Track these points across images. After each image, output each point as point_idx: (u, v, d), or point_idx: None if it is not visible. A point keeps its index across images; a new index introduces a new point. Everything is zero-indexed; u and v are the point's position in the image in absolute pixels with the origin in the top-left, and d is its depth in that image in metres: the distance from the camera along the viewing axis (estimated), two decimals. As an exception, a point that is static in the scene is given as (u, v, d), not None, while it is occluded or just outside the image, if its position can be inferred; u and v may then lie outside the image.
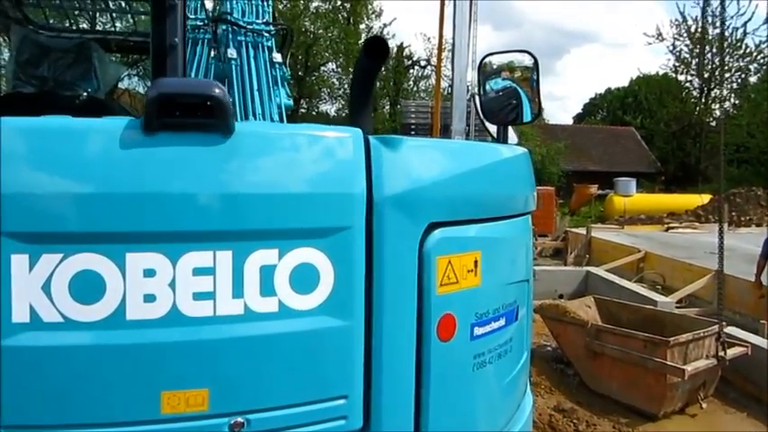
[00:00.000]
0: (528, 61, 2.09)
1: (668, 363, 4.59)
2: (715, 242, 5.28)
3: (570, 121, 45.57)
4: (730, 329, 5.43)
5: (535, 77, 2.09)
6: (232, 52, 4.03)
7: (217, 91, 1.08)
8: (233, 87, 4.29)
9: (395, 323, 1.22)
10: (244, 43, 4.12)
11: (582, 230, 14.06)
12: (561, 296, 8.68)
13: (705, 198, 20.76)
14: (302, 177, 1.15)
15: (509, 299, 1.51)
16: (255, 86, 4.13)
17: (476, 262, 1.36)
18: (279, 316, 1.11)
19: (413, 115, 18.22)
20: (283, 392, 1.13)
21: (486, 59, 2.16)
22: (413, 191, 1.24)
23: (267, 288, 1.09)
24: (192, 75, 3.81)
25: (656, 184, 30.89)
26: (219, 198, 1.08)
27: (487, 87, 2.10)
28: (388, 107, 32.53)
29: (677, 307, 7.29)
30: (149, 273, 1.03)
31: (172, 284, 1.04)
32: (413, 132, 16.16)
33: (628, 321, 5.67)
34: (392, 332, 1.22)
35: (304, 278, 1.12)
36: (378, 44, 1.59)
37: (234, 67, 4.15)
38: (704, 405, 4.93)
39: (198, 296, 1.05)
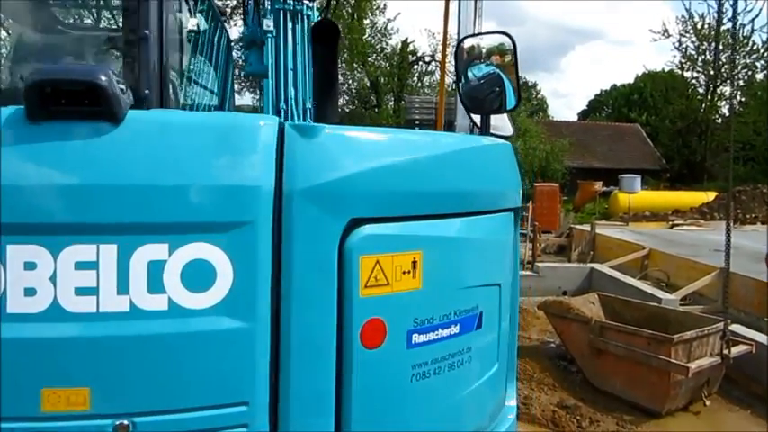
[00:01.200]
0: (507, 44, 1.98)
1: (672, 360, 4.58)
2: (720, 240, 5.26)
3: (575, 118, 45.44)
4: (735, 327, 5.41)
5: (514, 62, 1.98)
6: (269, 24, 3.80)
7: (102, 78, 1.02)
8: (268, 64, 4.04)
9: (308, 327, 1.13)
10: (282, 12, 3.87)
11: (586, 227, 14.02)
12: (565, 293, 8.67)
13: (710, 195, 20.66)
14: (198, 168, 1.07)
15: (466, 304, 1.38)
16: (290, 65, 3.88)
17: (414, 263, 1.24)
18: (169, 314, 1.04)
19: (417, 111, 18.20)
20: (174, 396, 1.06)
21: (465, 44, 2.06)
22: (331, 183, 1.14)
23: (156, 285, 1.03)
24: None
25: (661, 181, 30.76)
26: (103, 189, 1.02)
27: (469, 75, 2.00)
28: (392, 103, 32.46)
29: (681, 304, 7.27)
30: (30, 266, 0.99)
31: (53, 278, 1.00)
32: (416, 128, 16.13)
33: (632, 318, 5.66)
34: (305, 336, 1.13)
35: (198, 276, 1.05)
36: (326, 28, 1.48)
37: (270, 40, 3.89)
38: (708, 403, 4.93)
39: (80, 291, 1.01)
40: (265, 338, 1.10)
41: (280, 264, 1.11)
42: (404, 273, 1.22)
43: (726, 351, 4.82)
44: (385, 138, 1.34)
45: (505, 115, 2.04)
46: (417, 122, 17.30)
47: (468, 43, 2.08)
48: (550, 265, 10.04)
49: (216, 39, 2.84)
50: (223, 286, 1.07)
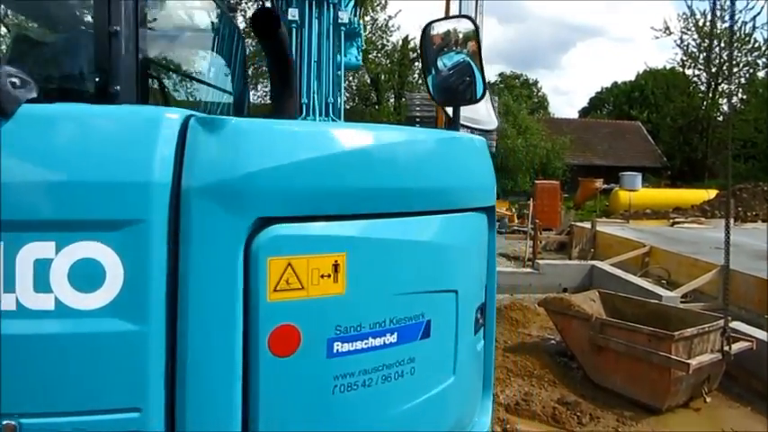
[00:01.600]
0: (468, 29, 1.89)
1: (673, 357, 4.59)
2: (720, 237, 5.26)
3: (576, 116, 45.42)
4: (735, 324, 5.41)
5: (477, 48, 1.89)
6: (293, 13, 3.72)
7: None
8: (292, 55, 3.99)
9: (208, 332, 1.07)
10: (307, 1, 3.77)
11: (587, 224, 14.03)
12: (565, 290, 8.67)
13: (711, 193, 20.67)
14: (87, 163, 1.03)
15: (406, 311, 1.28)
16: (315, 57, 3.79)
17: (336, 266, 1.15)
18: (55, 315, 1.01)
19: (417, 108, 18.15)
20: (62, 398, 1.02)
21: (433, 30, 1.93)
22: (235, 180, 1.07)
23: (42, 284, 1.00)
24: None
25: (662, 178, 30.78)
26: None
27: (440, 64, 1.91)
28: (392, 100, 32.46)
29: (682, 302, 7.28)
30: None
31: None
32: (417, 125, 16.12)
33: (632, 316, 5.66)
34: (205, 342, 1.07)
35: (86, 275, 1.01)
36: (264, 17, 1.39)
37: (294, 30, 3.81)
38: (708, 399, 4.93)
39: None
40: (160, 342, 1.05)
41: (176, 264, 1.05)
42: (322, 276, 1.14)
43: (726, 348, 4.83)
44: (303, 130, 1.23)
45: (490, 107, 1.98)
46: (418, 120, 17.28)
47: (440, 29, 1.95)
48: (551, 263, 10.04)
49: (228, 35, 2.81)
50: (113, 287, 1.02)
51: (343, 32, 3.93)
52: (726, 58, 30.19)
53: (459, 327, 1.44)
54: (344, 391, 1.18)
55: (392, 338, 1.25)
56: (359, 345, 1.19)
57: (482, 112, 1.91)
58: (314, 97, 3.78)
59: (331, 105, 3.84)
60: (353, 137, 1.25)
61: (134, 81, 1.53)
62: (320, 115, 3.81)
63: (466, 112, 1.82)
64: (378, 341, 1.23)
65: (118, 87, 1.47)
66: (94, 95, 1.50)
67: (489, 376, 1.76)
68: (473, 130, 1.83)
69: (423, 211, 1.34)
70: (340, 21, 3.82)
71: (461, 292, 1.44)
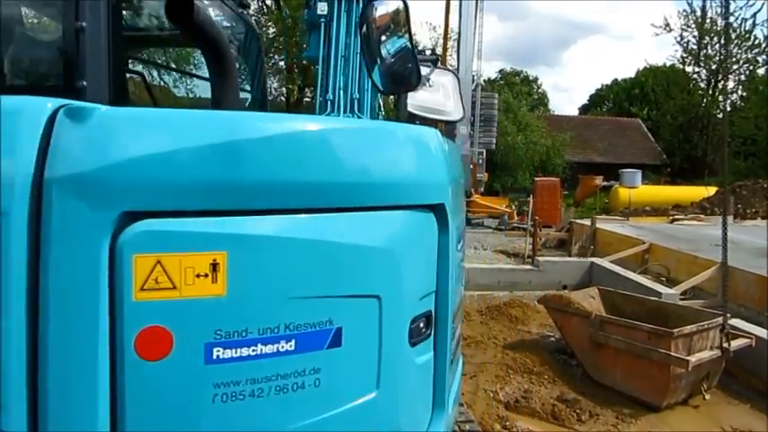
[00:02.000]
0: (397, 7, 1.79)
1: (672, 354, 4.59)
2: (720, 234, 5.26)
3: (576, 113, 45.39)
4: (735, 322, 5.41)
5: (407, 29, 1.80)
6: (323, 7, 3.66)
7: None
8: (320, 51, 3.85)
9: (71, 330, 1.01)
10: None
11: (587, 222, 14.02)
12: (565, 287, 8.68)
13: (711, 190, 20.65)
14: None
15: (309, 317, 1.19)
16: (342, 51, 3.70)
17: (215, 265, 1.07)
18: None
19: (418, 105, 18.11)
20: None
21: (376, 12, 1.80)
22: (98, 171, 1.02)
23: None
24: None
25: (662, 176, 30.77)
26: None
27: (383, 52, 1.81)
28: (393, 96, 32.41)
29: (682, 299, 7.28)
30: None
31: None
32: (417, 122, 16.08)
33: (632, 313, 5.67)
34: (67, 341, 1.02)
35: None
36: (177, 3, 1.31)
37: (322, 24, 3.74)
38: (707, 397, 4.93)
39: None
40: (20, 340, 1.01)
41: (38, 259, 1.01)
42: (198, 276, 1.06)
43: (725, 344, 4.83)
44: (182, 118, 1.13)
45: (457, 96, 1.82)
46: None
47: (387, 9, 1.82)
48: (551, 260, 10.04)
49: (244, 35, 2.77)
50: None
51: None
52: (724, 54, 30.18)
53: (385, 337, 1.33)
54: (227, 400, 1.10)
55: (288, 346, 1.16)
56: (245, 351, 1.11)
57: (447, 102, 1.79)
58: (339, 93, 3.69)
59: (356, 102, 3.75)
60: (246, 125, 1.17)
61: (104, 77, 1.50)
62: (344, 112, 3.73)
63: (428, 102, 1.75)
64: (269, 348, 1.13)
65: (84, 83, 1.45)
66: (62, 91, 1.48)
67: (441, 391, 1.59)
68: (437, 122, 1.76)
69: (331, 207, 1.24)
70: None
71: (386, 298, 1.32)
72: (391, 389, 1.36)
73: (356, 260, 1.28)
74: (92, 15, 1.42)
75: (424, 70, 1.72)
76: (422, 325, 1.46)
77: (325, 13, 3.69)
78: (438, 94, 1.77)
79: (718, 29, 30.40)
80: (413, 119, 1.81)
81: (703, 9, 30.52)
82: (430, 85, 1.76)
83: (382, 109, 3.99)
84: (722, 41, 30.01)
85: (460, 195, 1.96)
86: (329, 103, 3.76)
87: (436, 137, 1.55)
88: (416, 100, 1.73)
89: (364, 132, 1.38)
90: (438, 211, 1.50)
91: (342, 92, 3.66)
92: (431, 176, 1.50)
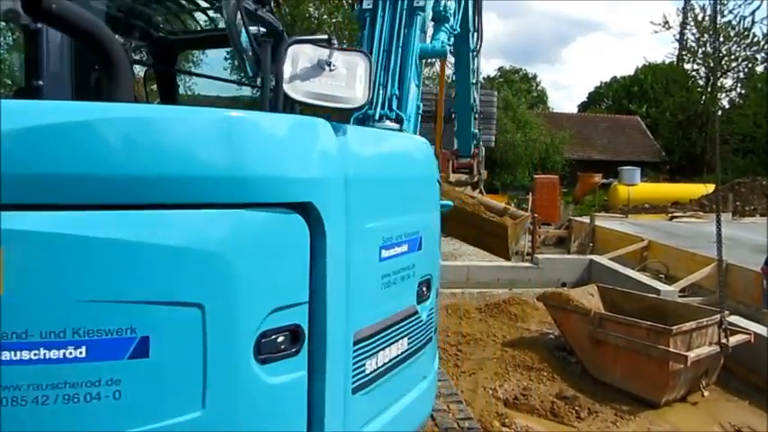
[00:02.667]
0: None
1: (671, 349, 4.60)
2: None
3: (575, 110, 45.33)
4: (734, 318, 5.43)
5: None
6: (368, 2, 3.64)
7: None
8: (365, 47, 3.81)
9: None
10: None
11: (586, 219, 14.03)
12: (564, 284, 8.69)
13: (710, 188, 20.62)
14: None
15: (104, 323, 1.09)
16: (385, 46, 3.66)
17: None
18: None
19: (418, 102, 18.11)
20: None
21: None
22: None
23: None
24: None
25: (661, 173, 30.75)
26: None
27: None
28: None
29: (680, 296, 7.29)
30: None
31: None
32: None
33: (631, 310, 5.68)
34: None
35: None
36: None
37: (368, 20, 3.71)
38: (706, 393, 4.94)
39: None
40: None
41: None
42: None
43: (724, 340, 4.84)
44: None
45: (361, 80, 1.66)
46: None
47: None
48: (550, 257, 10.06)
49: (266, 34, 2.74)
50: None
51: (420, 18, 3.74)
52: (722, 52, 30.17)
53: (212, 351, 1.20)
54: (13, 404, 1.03)
55: (78, 353, 1.07)
56: (26, 355, 1.04)
57: (350, 87, 1.65)
58: (379, 90, 3.58)
59: (395, 98, 3.58)
60: (28, 115, 1.08)
61: (63, 77, 1.50)
62: (381, 108, 3.58)
63: (324, 87, 1.60)
64: (55, 354, 1.05)
65: (40, 82, 1.46)
66: (24, 89, 1.51)
67: (320, 417, 1.44)
68: (331, 110, 1.64)
69: (141, 204, 1.14)
70: (416, 4, 3.63)
71: (213, 307, 1.20)
72: (224, 409, 1.23)
73: (169, 264, 1.16)
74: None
75: (321, 53, 1.62)
76: (281, 340, 1.33)
77: (371, 7, 3.69)
78: (339, 79, 1.63)
79: (718, 26, 30.35)
80: (318, 109, 1.65)
81: (685, 10, 30.57)
82: (331, 70, 1.62)
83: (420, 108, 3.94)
84: (720, 39, 30.00)
85: (386, 195, 1.78)
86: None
87: (311, 128, 1.44)
88: (313, 86, 1.59)
89: (226, 122, 1.27)
90: (309, 211, 1.36)
91: (381, 88, 3.58)
92: (289, 172, 1.35)
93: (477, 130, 6.87)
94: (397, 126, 2.48)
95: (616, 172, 23.58)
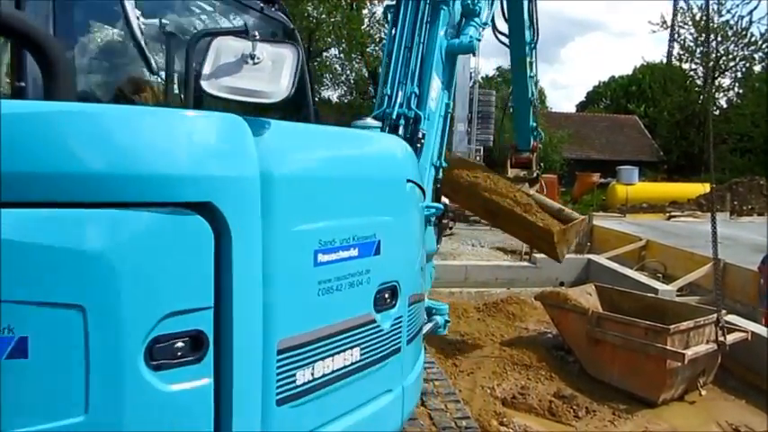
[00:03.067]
0: None
1: (668, 347, 4.61)
2: (718, 231, 5.28)
3: (573, 110, 45.35)
4: (731, 318, 5.44)
5: None
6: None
7: None
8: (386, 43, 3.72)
9: None
10: None
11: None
12: (562, 284, 8.70)
13: (707, 187, 20.62)
14: None
15: (3, 321, 1.09)
16: (407, 42, 3.59)
17: None
18: None
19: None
20: None
21: None
22: None
23: None
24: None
25: (659, 172, 30.78)
26: None
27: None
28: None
29: (678, 295, 7.30)
30: None
31: None
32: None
33: (629, 309, 5.68)
34: None
35: None
36: None
37: (391, 15, 3.66)
38: (703, 392, 4.95)
39: None
40: None
41: None
42: None
43: (722, 338, 4.85)
44: None
45: (291, 73, 1.59)
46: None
47: None
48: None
49: (274, 33, 2.68)
50: None
51: (445, 12, 3.67)
52: (720, 52, 30.21)
53: (95, 354, 1.16)
54: None
55: None
56: None
57: (273, 81, 1.57)
58: (398, 87, 3.50)
59: (414, 96, 3.48)
60: None
61: (49, 78, 1.48)
62: (400, 107, 3.51)
63: (245, 82, 1.53)
64: None
65: (23, 84, 1.49)
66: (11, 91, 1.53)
67: (226, 426, 1.38)
68: (249, 105, 1.56)
69: (14, 202, 1.10)
70: None
71: (95, 310, 1.17)
72: (110, 416, 1.19)
73: (46, 264, 1.12)
74: (35, 19, 1.45)
75: (247, 46, 1.55)
76: (178, 346, 1.29)
77: (394, 2, 3.66)
78: (263, 73, 1.55)
79: (714, 25, 30.42)
80: (238, 104, 1.59)
81: (674, 11, 30.66)
82: (255, 63, 1.56)
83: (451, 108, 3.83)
84: (718, 38, 30.04)
85: (326, 195, 1.71)
86: (386, 97, 3.61)
87: (213, 124, 1.38)
88: (233, 81, 1.53)
89: (64, 118, 1.20)
90: (211, 212, 1.31)
91: (401, 86, 3.50)
92: (183, 170, 1.29)
93: (535, 124, 6.73)
94: (377, 124, 2.39)
95: (614, 171, 23.61)
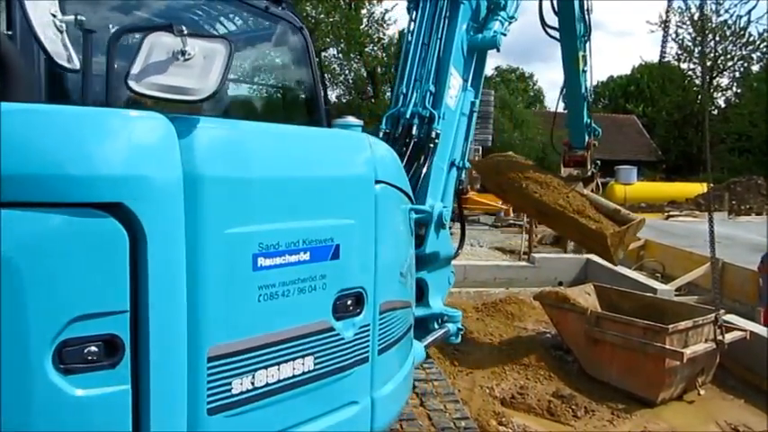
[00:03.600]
0: None
1: (667, 347, 4.61)
2: (716, 230, 5.29)
3: (572, 109, 45.34)
4: (730, 317, 5.44)
5: None
6: None
7: None
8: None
9: None
10: None
11: (582, 218, 14.02)
12: (561, 283, 8.70)
13: (706, 187, 20.70)
14: None
15: None
16: (425, 38, 3.50)
17: None
18: None
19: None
20: None
21: None
22: None
23: None
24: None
25: (657, 172, 30.83)
26: None
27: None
28: (389, 93, 32.35)
29: (676, 295, 7.31)
30: None
31: None
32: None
33: (627, 309, 5.68)
34: None
35: None
36: None
37: (410, 11, 3.58)
38: (702, 392, 4.95)
39: None
40: None
41: None
42: None
43: (720, 337, 4.85)
44: None
45: (220, 69, 1.53)
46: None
47: None
48: (546, 256, 10.06)
49: (279, 32, 2.67)
50: None
51: (465, 6, 3.58)
52: (718, 51, 30.25)
53: None
54: None
55: None
56: None
57: (200, 77, 1.51)
58: (414, 85, 3.42)
59: (429, 94, 3.40)
60: None
61: (35, 79, 1.53)
62: (414, 106, 3.43)
63: (173, 79, 1.48)
64: None
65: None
66: None
67: (146, 430, 1.36)
68: (176, 102, 1.51)
69: None
70: None
71: None
72: (18, 418, 1.18)
73: None
74: (19, 23, 1.44)
75: (179, 42, 1.50)
76: (91, 350, 1.26)
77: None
78: (192, 69, 1.50)
79: (712, 25, 30.47)
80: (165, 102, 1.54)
81: (667, 9, 30.69)
82: (186, 59, 1.51)
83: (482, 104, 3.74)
84: (716, 38, 30.09)
85: (269, 197, 1.64)
86: (401, 96, 3.53)
87: (131, 122, 1.35)
88: (162, 78, 1.48)
89: None
90: (125, 214, 1.27)
91: (417, 83, 3.42)
92: (90, 170, 1.25)
93: (589, 120, 6.50)
94: (358, 123, 2.29)
95: (613, 171, 23.62)
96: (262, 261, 1.57)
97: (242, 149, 1.62)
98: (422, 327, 3.68)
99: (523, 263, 9.66)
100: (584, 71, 5.87)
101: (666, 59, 36.11)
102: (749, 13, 31.14)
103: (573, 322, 5.50)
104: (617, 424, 4.56)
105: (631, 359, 4.89)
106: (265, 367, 1.61)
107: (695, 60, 33.64)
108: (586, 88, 6.05)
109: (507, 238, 13.70)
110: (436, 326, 3.80)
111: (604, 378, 5.17)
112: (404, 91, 3.55)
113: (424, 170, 3.56)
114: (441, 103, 3.52)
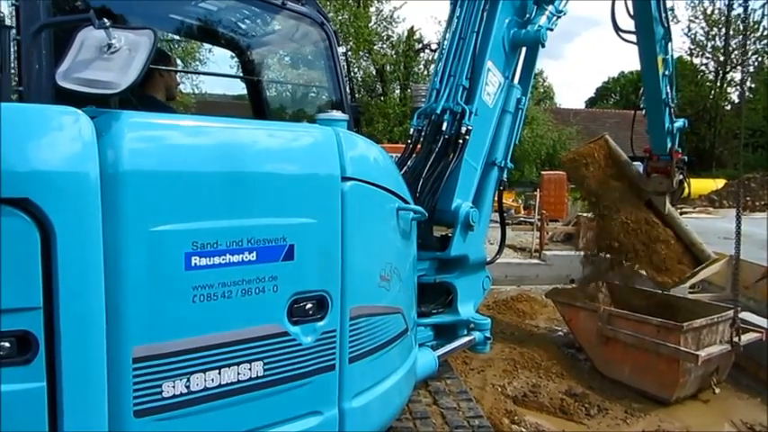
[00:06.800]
0: None
1: (681, 348, 4.57)
2: (729, 227, 5.22)
3: (582, 106, 45.09)
4: (744, 314, 5.38)
5: None
6: None
7: None
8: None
9: None
10: None
11: (594, 215, 13.94)
12: (573, 281, 8.64)
13: (719, 183, 20.51)
14: None
15: None
16: (464, 33, 3.42)
17: None
18: None
19: (423, 99, 18.10)
20: None
21: None
22: None
23: None
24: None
25: (669, 168, 30.56)
26: None
27: None
28: (398, 91, 32.32)
29: (690, 292, 7.23)
30: None
31: None
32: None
33: (640, 306, 5.64)
34: None
35: None
36: None
37: (450, 6, 3.52)
38: (717, 391, 4.91)
39: None
40: None
41: None
42: None
43: (736, 339, 4.80)
44: None
45: (141, 62, 1.48)
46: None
47: None
48: (558, 254, 10.00)
49: (302, 34, 2.62)
50: None
51: (505, 1, 3.51)
52: (734, 45, 29.89)
53: None
54: None
55: None
56: None
57: (121, 70, 1.48)
58: (448, 80, 3.35)
59: (461, 89, 3.32)
60: None
61: (44, 84, 1.58)
62: (446, 101, 3.37)
63: (97, 73, 1.46)
64: None
65: (21, 88, 1.55)
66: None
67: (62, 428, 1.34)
68: (95, 96, 1.48)
69: None
70: None
71: None
72: None
73: None
74: (27, 28, 1.46)
75: (108, 35, 1.47)
76: (3, 345, 1.26)
77: None
78: (115, 62, 1.48)
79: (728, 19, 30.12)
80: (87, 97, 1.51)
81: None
82: (112, 52, 1.47)
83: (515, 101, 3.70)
84: (730, 32, 29.73)
85: (208, 193, 1.58)
86: (434, 92, 3.46)
87: (42, 117, 1.33)
88: (87, 72, 1.46)
89: None
90: (34, 210, 1.26)
91: (451, 78, 3.36)
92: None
93: (671, 125, 6.11)
94: (344, 117, 2.20)
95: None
96: (196, 260, 1.51)
97: (173, 144, 1.56)
98: (450, 333, 3.56)
99: (535, 260, 9.62)
100: (666, 75, 5.60)
101: (678, 54, 35.86)
102: (763, 6, 30.66)
103: (585, 320, 5.47)
104: (630, 423, 4.53)
105: (645, 358, 4.85)
106: (203, 371, 1.55)
107: (707, 55, 33.30)
108: (668, 93, 5.75)
109: (518, 235, 13.64)
110: (465, 333, 3.64)
111: (617, 376, 5.13)
112: (437, 87, 3.48)
113: (451, 167, 3.40)
114: (474, 98, 3.44)
